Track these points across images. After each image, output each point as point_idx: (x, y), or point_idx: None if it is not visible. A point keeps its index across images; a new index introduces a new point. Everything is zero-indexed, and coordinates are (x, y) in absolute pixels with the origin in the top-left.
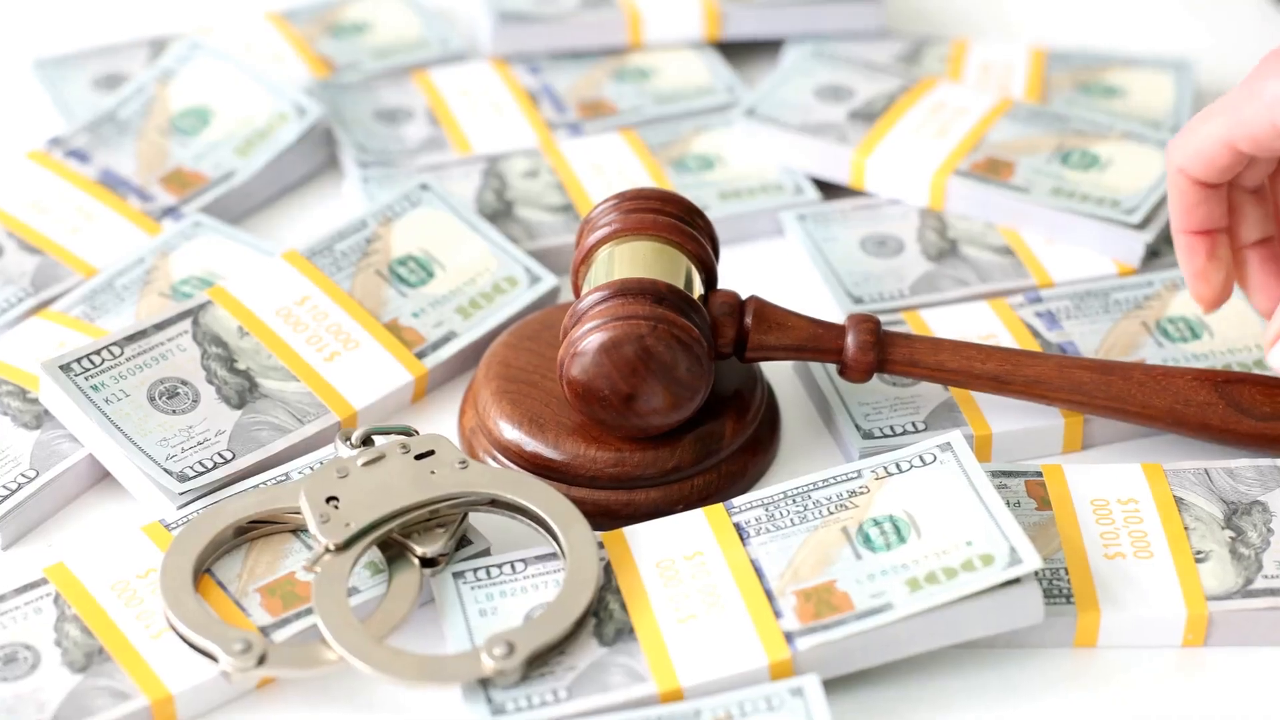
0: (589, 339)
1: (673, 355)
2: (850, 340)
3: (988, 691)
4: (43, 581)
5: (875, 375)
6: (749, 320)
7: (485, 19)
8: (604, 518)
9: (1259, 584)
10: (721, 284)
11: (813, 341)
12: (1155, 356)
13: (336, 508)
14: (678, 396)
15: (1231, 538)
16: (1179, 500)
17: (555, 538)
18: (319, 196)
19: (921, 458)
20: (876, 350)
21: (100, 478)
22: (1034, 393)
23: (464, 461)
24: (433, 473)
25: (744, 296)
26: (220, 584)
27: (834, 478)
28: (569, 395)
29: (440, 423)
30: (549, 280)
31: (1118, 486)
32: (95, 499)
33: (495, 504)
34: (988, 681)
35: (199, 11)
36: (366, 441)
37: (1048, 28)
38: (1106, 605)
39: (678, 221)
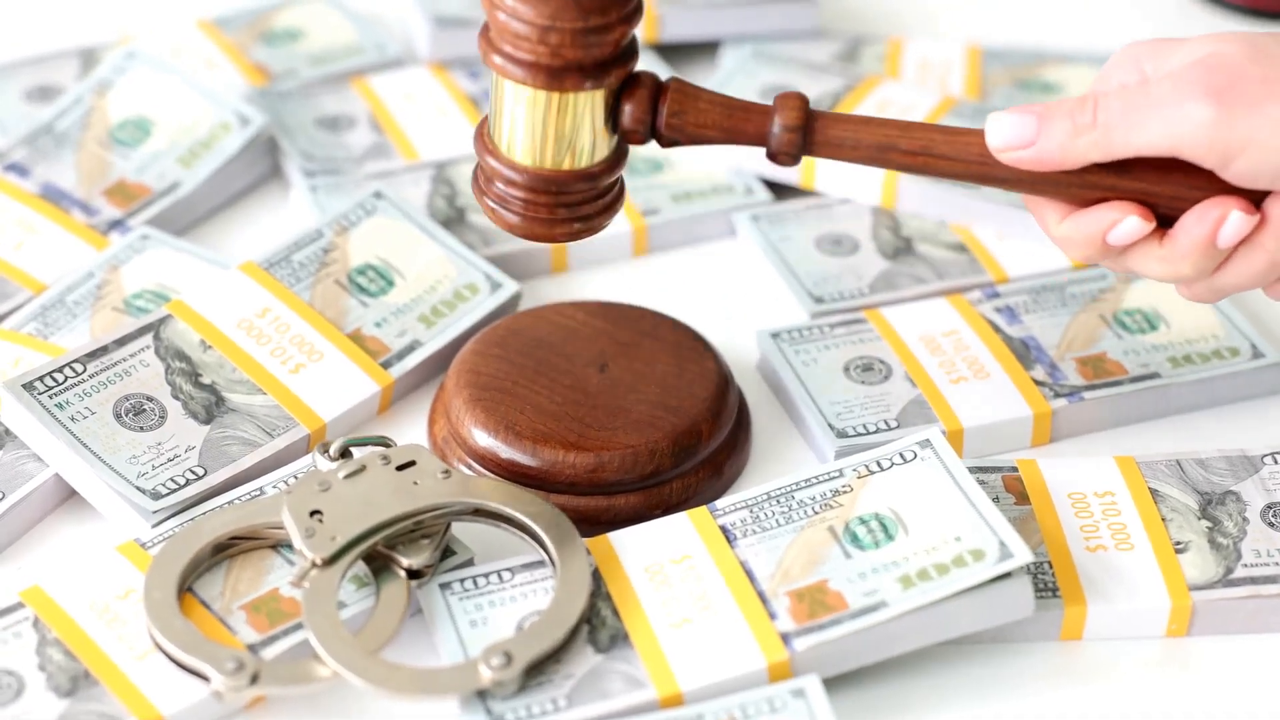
0: None
1: None
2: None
3: (979, 686)
4: (19, 605)
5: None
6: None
7: (421, 24)
8: (584, 524)
9: (1239, 573)
10: (678, 287)
11: (742, 109)
12: (1116, 349)
13: (321, 521)
14: None
15: (1209, 528)
16: (1154, 492)
17: (543, 545)
18: (265, 206)
19: (902, 455)
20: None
21: (66, 497)
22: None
23: (446, 471)
24: (415, 483)
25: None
26: (204, 602)
27: (816, 477)
28: None
29: (408, 432)
30: (510, 286)
31: (1093, 479)
32: (62, 519)
33: (479, 513)
34: (978, 677)
35: (127, 21)
36: (345, 454)
37: (976, 25)
38: (1092, 598)
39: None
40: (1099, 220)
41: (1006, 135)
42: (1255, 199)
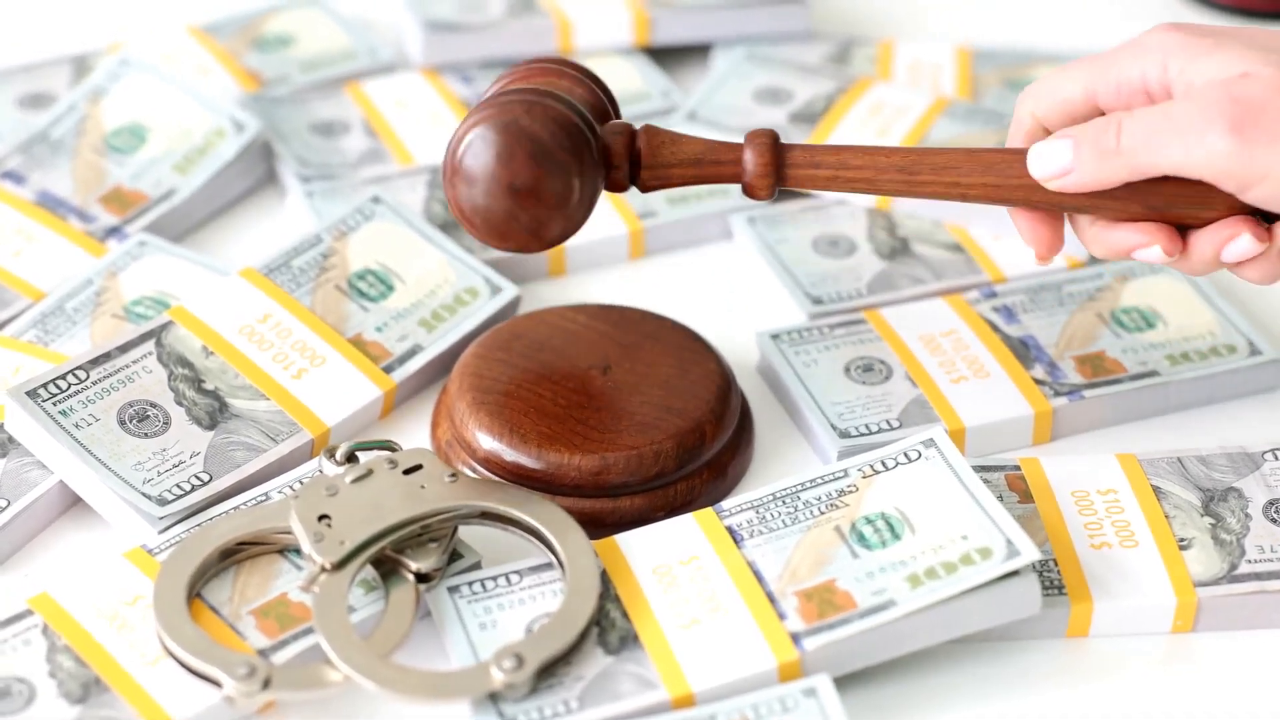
0: (470, 124)
1: (550, 134)
2: (749, 154)
3: (987, 684)
4: (28, 613)
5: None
6: (642, 142)
7: (413, 30)
8: (589, 526)
9: (1243, 569)
10: (675, 289)
11: (710, 154)
12: (1114, 347)
13: (330, 526)
14: (558, 185)
15: (1211, 524)
16: (1156, 489)
17: (551, 547)
18: (260, 212)
19: (906, 454)
20: (776, 157)
21: (70, 505)
22: (946, 181)
23: (453, 475)
24: (422, 487)
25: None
26: (212, 608)
27: (821, 478)
28: (452, 182)
29: (411, 436)
30: (510, 290)
31: (1096, 477)
32: (66, 526)
33: (486, 516)
34: (986, 674)
35: (118, 28)
36: (351, 458)
37: (966, 26)
38: (1098, 595)
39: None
40: (1127, 239)
41: (1049, 166)
42: (1271, 217)
